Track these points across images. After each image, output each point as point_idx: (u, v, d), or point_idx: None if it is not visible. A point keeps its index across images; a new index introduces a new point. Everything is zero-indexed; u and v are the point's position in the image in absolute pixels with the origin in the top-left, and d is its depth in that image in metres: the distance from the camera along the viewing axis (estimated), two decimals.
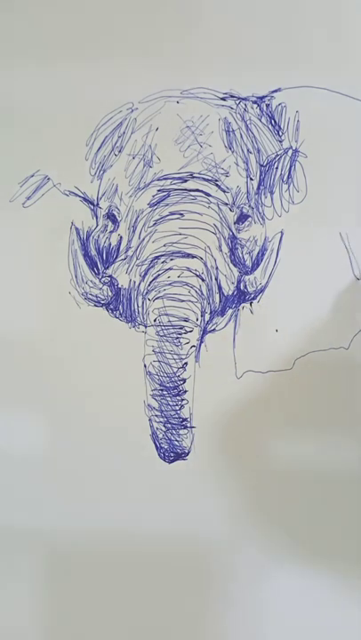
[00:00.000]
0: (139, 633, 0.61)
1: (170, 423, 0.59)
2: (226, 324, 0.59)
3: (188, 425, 0.59)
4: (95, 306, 0.60)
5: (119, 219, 0.59)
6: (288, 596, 0.60)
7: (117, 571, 0.61)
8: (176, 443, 0.59)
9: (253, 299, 0.59)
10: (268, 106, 0.59)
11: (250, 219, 0.59)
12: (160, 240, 0.58)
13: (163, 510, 0.60)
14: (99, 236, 0.60)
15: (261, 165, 0.59)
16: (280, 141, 0.59)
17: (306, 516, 0.59)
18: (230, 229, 0.58)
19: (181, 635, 0.61)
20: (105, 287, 0.60)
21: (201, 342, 0.59)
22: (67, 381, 0.60)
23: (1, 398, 0.61)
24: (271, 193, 0.59)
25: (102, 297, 0.60)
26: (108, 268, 0.60)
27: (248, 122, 0.58)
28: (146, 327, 0.59)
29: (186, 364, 0.58)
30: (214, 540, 0.60)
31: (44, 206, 0.60)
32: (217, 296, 0.58)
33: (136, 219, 0.58)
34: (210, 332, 0.59)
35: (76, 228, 0.60)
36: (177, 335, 0.58)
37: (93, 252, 0.60)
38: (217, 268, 0.58)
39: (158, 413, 0.59)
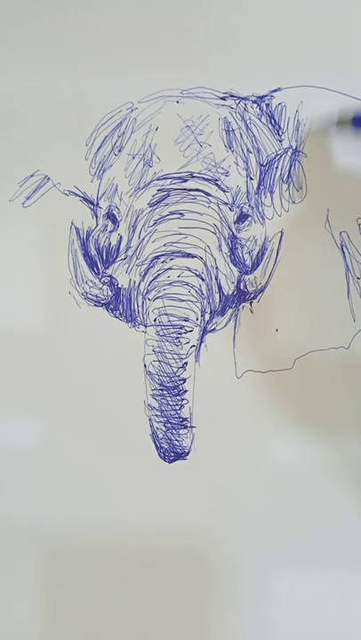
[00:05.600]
0: (139, 631, 0.61)
1: (170, 423, 0.59)
2: (226, 324, 0.59)
3: (188, 425, 0.59)
4: (95, 306, 0.60)
5: (119, 218, 0.59)
6: (289, 595, 0.60)
7: (117, 570, 0.61)
8: (176, 442, 0.59)
9: (253, 298, 0.59)
10: (267, 105, 0.59)
11: (250, 218, 0.59)
12: (160, 240, 0.58)
13: (163, 510, 0.60)
14: (99, 236, 0.60)
15: (261, 165, 0.59)
16: (280, 141, 0.59)
17: (306, 515, 0.59)
18: (230, 229, 0.58)
19: (183, 634, 0.61)
20: (105, 287, 0.60)
21: (201, 342, 0.59)
22: (67, 381, 0.60)
23: (1, 398, 0.61)
24: (271, 192, 0.59)
25: (102, 297, 0.60)
26: (107, 267, 0.60)
27: (248, 121, 0.58)
28: (146, 327, 0.59)
29: (186, 363, 0.58)
30: (214, 539, 0.60)
31: (43, 206, 0.60)
32: (217, 296, 0.58)
33: (136, 218, 0.58)
34: (210, 331, 0.59)
35: (76, 228, 0.60)
36: (177, 335, 0.58)
37: (93, 252, 0.60)
38: (217, 267, 0.58)
39: (158, 413, 0.59)
